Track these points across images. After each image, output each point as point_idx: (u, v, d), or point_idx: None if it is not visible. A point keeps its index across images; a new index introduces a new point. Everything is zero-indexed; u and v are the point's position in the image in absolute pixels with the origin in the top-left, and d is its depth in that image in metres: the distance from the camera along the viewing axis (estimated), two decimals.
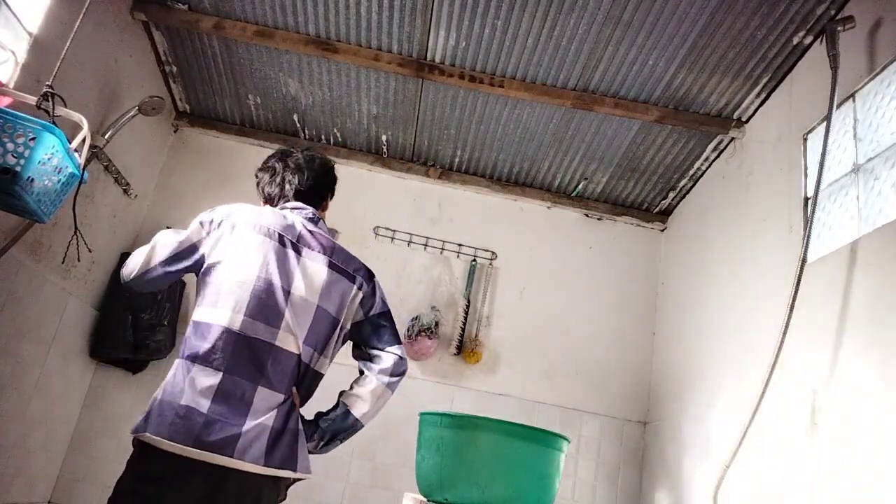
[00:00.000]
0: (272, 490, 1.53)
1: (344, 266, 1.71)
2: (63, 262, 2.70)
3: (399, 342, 1.75)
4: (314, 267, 1.65)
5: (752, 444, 2.18)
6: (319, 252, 1.68)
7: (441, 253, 3.56)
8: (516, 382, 3.38)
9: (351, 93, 3.26)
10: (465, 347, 3.35)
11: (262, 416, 1.48)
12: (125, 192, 3.16)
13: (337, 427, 1.65)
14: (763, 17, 2.40)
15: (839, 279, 1.93)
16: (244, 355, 1.50)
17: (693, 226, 3.31)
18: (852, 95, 2.12)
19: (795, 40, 2.45)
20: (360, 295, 1.72)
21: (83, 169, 1.88)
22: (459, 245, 3.57)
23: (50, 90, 1.82)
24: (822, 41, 2.28)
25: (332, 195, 1.95)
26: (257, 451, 1.45)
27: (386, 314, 1.77)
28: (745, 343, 2.48)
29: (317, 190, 1.86)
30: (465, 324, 3.38)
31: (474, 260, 3.54)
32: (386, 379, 1.68)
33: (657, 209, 3.68)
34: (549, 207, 3.71)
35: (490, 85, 2.95)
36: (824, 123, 2.11)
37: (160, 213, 3.46)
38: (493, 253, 3.57)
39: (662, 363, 3.33)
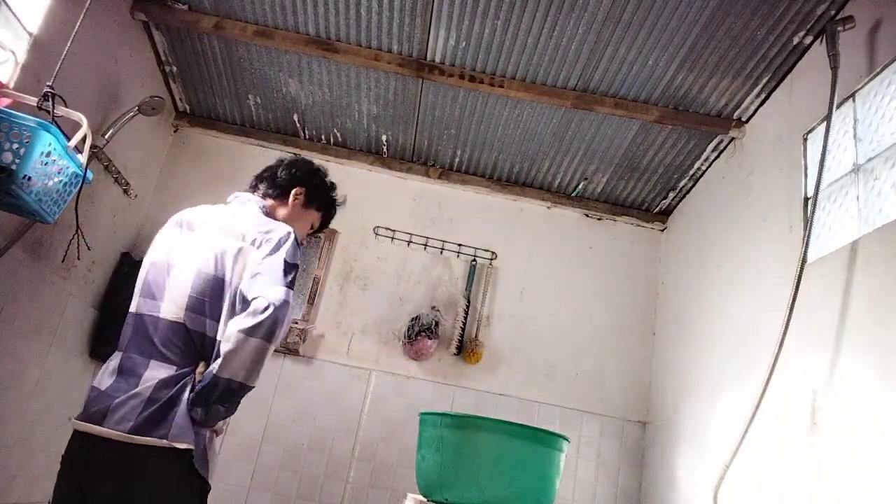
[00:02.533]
0: (152, 459, 1.43)
1: (236, 227, 1.63)
2: (63, 261, 2.70)
3: (281, 286, 1.50)
4: (203, 236, 1.65)
5: (752, 444, 2.18)
6: (216, 223, 1.67)
7: (441, 253, 3.56)
8: (516, 382, 3.38)
9: (351, 93, 3.26)
10: (465, 347, 3.35)
11: (141, 386, 1.49)
12: (125, 192, 3.16)
13: (204, 389, 1.47)
14: (763, 17, 2.40)
15: (839, 279, 1.93)
16: (139, 333, 1.57)
17: (693, 226, 3.31)
18: (852, 95, 2.12)
19: (795, 40, 2.45)
20: (247, 249, 1.59)
21: (85, 168, 1.88)
22: (459, 245, 3.57)
23: (50, 90, 1.81)
24: (822, 41, 2.28)
25: (306, 191, 1.88)
26: (124, 418, 1.44)
27: (272, 261, 1.55)
28: (744, 343, 2.48)
29: (272, 178, 1.88)
30: (465, 324, 3.38)
31: (474, 260, 3.54)
32: (241, 323, 1.45)
33: (657, 209, 3.68)
34: (549, 207, 3.71)
35: (490, 85, 2.95)
36: (824, 123, 2.11)
37: (160, 213, 3.45)
38: (493, 253, 3.57)
39: (662, 363, 3.33)
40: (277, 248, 1.58)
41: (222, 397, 1.47)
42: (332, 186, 1.98)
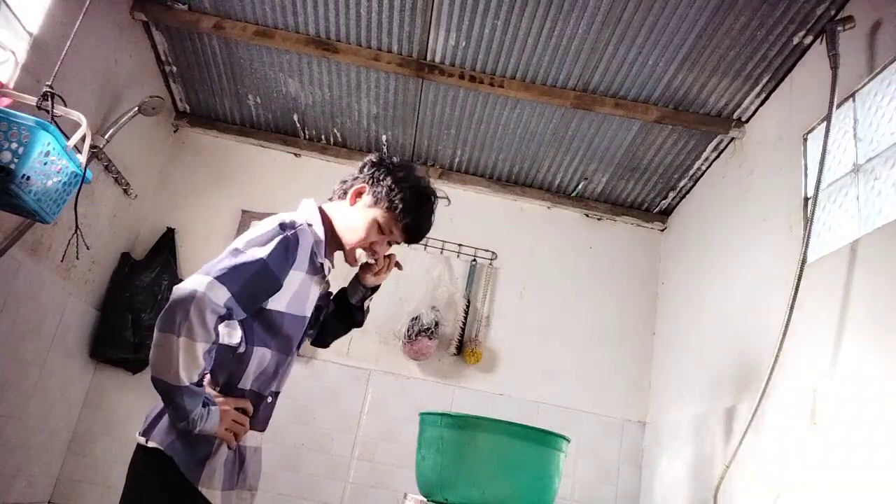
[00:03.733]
0: (137, 457, 1.46)
1: (250, 231, 1.54)
2: (62, 261, 2.70)
3: (203, 274, 1.35)
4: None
5: (753, 443, 2.18)
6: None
7: (441, 253, 3.56)
8: (516, 382, 3.38)
9: (351, 93, 3.26)
10: (465, 347, 3.35)
11: None
12: (125, 192, 3.16)
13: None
14: (763, 17, 2.40)
15: (839, 279, 1.93)
16: None
17: (693, 226, 3.31)
18: (852, 95, 2.12)
19: (795, 40, 2.45)
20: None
21: (85, 167, 1.88)
22: (459, 245, 3.57)
23: (50, 90, 1.81)
24: (822, 41, 2.28)
25: (374, 191, 1.63)
26: (147, 418, 1.48)
27: (229, 252, 1.42)
28: (745, 343, 2.48)
29: (345, 178, 1.74)
30: (465, 324, 3.38)
31: (474, 260, 3.53)
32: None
33: (657, 209, 3.67)
34: (549, 207, 3.70)
35: (490, 85, 2.95)
36: (824, 123, 2.11)
37: (160, 213, 3.46)
38: (493, 253, 3.57)
39: (662, 363, 3.33)
40: (248, 235, 1.47)
41: (165, 398, 1.36)
42: (414, 187, 1.63)
